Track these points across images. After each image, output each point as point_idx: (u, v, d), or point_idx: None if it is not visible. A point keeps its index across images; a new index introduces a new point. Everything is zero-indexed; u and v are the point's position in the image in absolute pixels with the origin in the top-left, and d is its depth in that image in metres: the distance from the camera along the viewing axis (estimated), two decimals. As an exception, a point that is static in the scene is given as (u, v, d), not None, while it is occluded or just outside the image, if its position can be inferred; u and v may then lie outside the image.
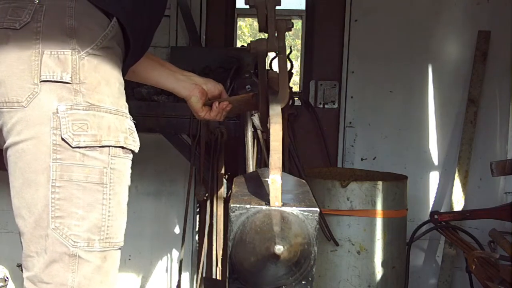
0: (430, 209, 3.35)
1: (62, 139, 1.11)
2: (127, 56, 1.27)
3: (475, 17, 3.33)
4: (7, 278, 2.67)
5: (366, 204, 2.66)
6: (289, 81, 2.39)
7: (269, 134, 1.12)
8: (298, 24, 3.90)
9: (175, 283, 3.20)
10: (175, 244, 3.35)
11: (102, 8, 1.18)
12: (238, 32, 4.66)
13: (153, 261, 3.44)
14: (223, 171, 2.48)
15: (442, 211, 3.20)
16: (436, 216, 3.02)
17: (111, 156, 1.16)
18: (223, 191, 2.48)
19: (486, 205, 3.01)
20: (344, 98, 3.42)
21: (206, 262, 2.58)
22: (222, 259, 2.48)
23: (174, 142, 2.57)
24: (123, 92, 1.23)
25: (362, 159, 3.43)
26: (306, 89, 3.46)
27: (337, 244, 2.67)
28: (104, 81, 1.16)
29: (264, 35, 1.26)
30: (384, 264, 2.71)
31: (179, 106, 2.44)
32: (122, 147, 1.18)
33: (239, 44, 4.08)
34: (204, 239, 2.54)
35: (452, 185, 3.30)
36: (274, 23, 1.20)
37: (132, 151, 1.22)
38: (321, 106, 3.44)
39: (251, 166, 2.23)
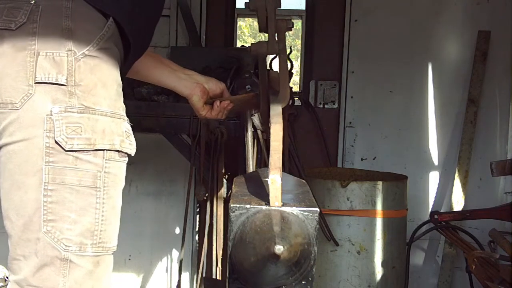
0: (430, 209, 3.35)
1: (55, 142, 1.10)
2: (127, 56, 1.26)
3: (475, 17, 3.33)
4: (7, 278, 2.67)
5: (366, 204, 2.66)
6: (289, 81, 2.39)
7: (270, 134, 1.12)
8: (298, 24, 3.90)
9: (175, 283, 3.20)
10: (175, 244, 3.35)
11: (100, 8, 1.16)
12: (238, 32, 4.66)
13: (153, 261, 3.44)
14: (223, 171, 2.48)
15: (442, 211, 3.19)
16: (436, 216, 3.01)
17: (106, 159, 1.14)
18: (223, 191, 2.48)
19: (486, 205, 3.00)
20: (344, 98, 3.42)
21: (206, 262, 2.58)
22: (222, 259, 2.48)
23: (174, 142, 2.57)
24: (121, 93, 1.21)
25: (362, 159, 3.43)
26: (306, 89, 3.46)
27: (337, 244, 2.67)
28: (101, 83, 1.14)
29: (265, 35, 1.26)
30: (384, 264, 2.71)
31: (179, 106, 2.43)
32: (118, 151, 1.17)
33: (239, 44, 4.08)
34: (204, 239, 2.54)
35: (452, 185, 3.30)
36: (274, 25, 1.20)
37: (128, 155, 1.20)
38: (321, 106, 3.45)
39: (251, 166, 2.23)
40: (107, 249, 1.17)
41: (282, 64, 1.27)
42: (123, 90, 1.23)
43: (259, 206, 1.05)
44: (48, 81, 1.10)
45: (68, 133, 1.10)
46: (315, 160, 3.38)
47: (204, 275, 2.60)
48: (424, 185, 3.41)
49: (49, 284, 1.12)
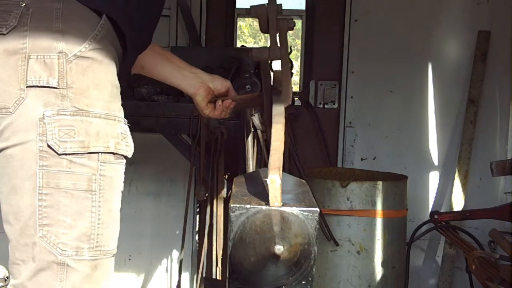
0: (430, 209, 3.35)
1: (48, 145, 1.09)
2: (126, 53, 1.24)
3: (475, 17, 3.33)
4: (7, 278, 2.67)
5: (366, 204, 2.66)
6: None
7: (271, 134, 1.11)
8: (298, 24, 3.90)
9: (175, 283, 3.20)
10: (175, 244, 3.35)
11: (92, 7, 1.15)
12: (238, 32, 4.66)
13: (153, 261, 3.44)
14: (223, 171, 2.48)
15: (442, 211, 3.19)
16: (436, 216, 3.01)
17: (101, 162, 1.13)
18: (223, 191, 2.48)
19: (486, 205, 3.01)
20: (344, 98, 3.42)
21: (206, 262, 2.58)
22: (222, 259, 2.49)
23: (174, 142, 2.57)
24: (117, 94, 1.19)
25: (362, 159, 3.43)
26: (306, 89, 3.46)
27: (337, 244, 2.67)
28: (94, 84, 1.13)
29: (265, 35, 1.25)
30: (384, 264, 2.71)
31: (179, 106, 2.43)
32: (113, 153, 1.15)
33: (239, 44, 4.08)
34: (204, 239, 2.54)
35: (452, 185, 3.30)
36: (276, 29, 1.20)
37: (125, 156, 1.19)
38: (321, 106, 3.45)
39: (251, 166, 2.23)
40: (105, 252, 1.16)
41: (284, 65, 1.27)
42: (123, 90, 1.22)
43: (259, 206, 1.04)
44: (39, 85, 1.09)
45: (61, 136, 1.09)
46: (315, 160, 3.38)
47: (204, 275, 2.59)
48: (424, 185, 3.41)
49: None
